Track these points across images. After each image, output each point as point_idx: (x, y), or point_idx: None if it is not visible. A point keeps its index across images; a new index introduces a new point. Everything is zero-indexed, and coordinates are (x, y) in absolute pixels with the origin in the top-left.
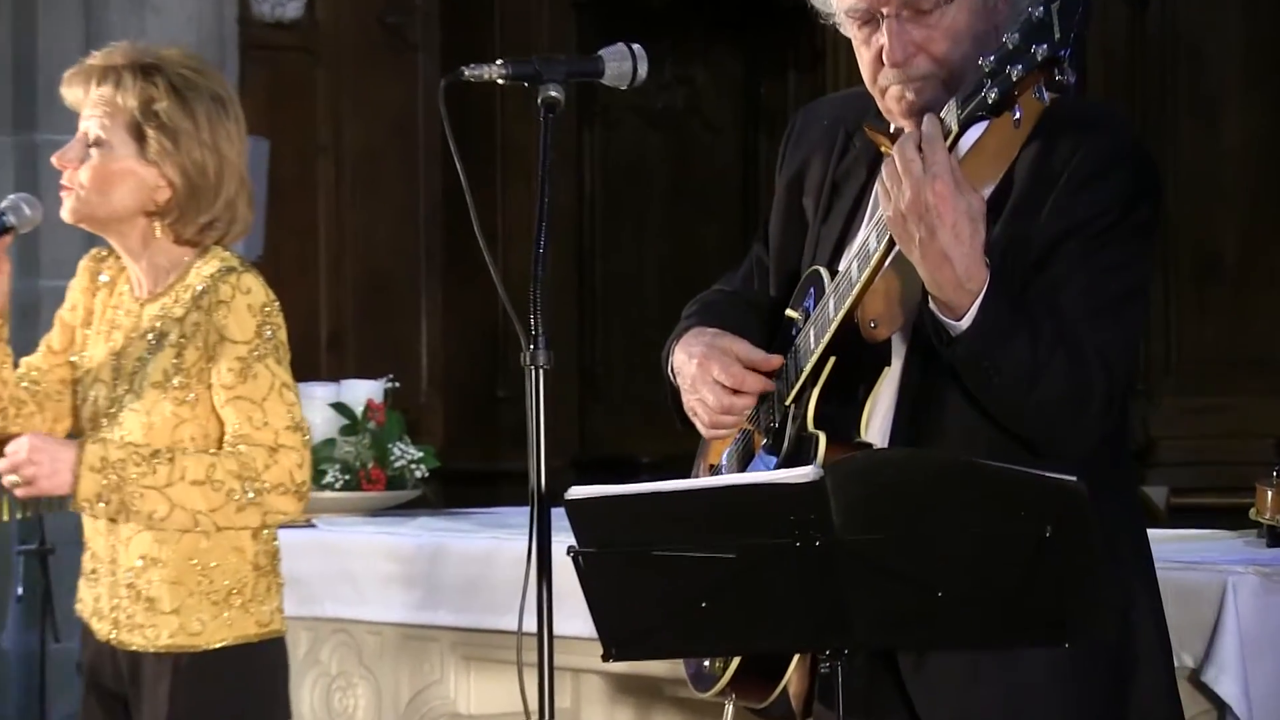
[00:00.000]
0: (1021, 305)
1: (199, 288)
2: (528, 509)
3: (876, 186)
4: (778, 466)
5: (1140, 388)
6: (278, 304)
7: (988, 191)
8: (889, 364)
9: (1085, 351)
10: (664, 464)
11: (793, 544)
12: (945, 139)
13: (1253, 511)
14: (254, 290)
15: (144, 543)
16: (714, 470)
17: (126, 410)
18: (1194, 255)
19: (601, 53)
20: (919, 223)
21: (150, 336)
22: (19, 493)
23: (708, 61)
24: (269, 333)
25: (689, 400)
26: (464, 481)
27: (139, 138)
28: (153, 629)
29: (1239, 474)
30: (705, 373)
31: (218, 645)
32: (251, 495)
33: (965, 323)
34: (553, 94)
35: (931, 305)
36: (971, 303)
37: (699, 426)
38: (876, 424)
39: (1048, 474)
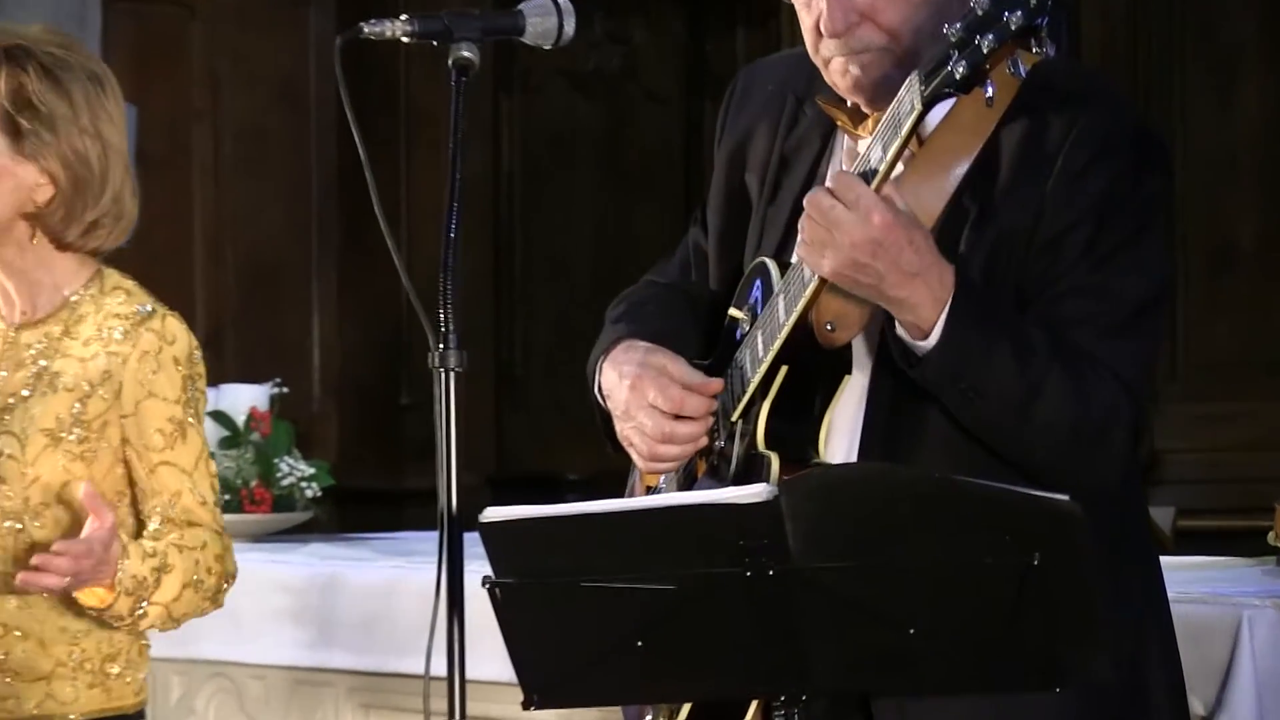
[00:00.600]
0: (1000, 313)
1: (112, 330)
2: (436, 534)
3: (798, 252)
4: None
5: None
6: (199, 351)
7: (961, 169)
8: (849, 372)
9: (1097, 369)
10: (594, 482)
11: (743, 574)
12: (867, 179)
13: (1271, 536)
14: (179, 339)
15: (6, 610)
16: (651, 492)
17: (4, 459)
18: (1205, 244)
19: (522, 7)
20: (874, 259)
21: (33, 372)
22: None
23: (645, 17)
24: (194, 387)
25: (623, 429)
26: (363, 502)
27: (12, 132)
28: (14, 700)
29: (1255, 492)
30: (639, 396)
31: (89, 716)
32: (225, 586)
33: (932, 339)
34: (465, 54)
35: (898, 331)
36: (939, 315)
37: (636, 459)
38: (839, 442)
39: (1037, 493)
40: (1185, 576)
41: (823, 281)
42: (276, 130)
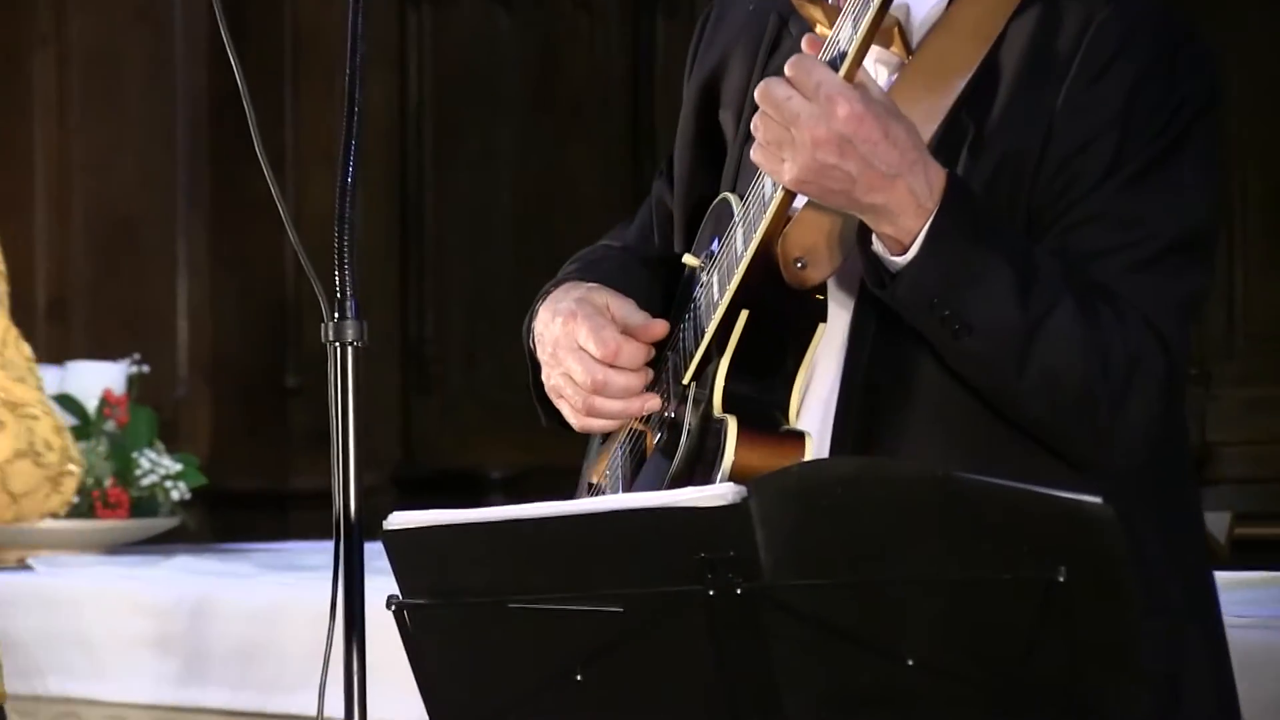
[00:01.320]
0: (999, 229)
1: None
2: (330, 544)
3: (753, 155)
4: (674, 473)
5: (1192, 372)
6: None
7: (961, 81)
8: (824, 319)
9: (1120, 308)
10: (522, 480)
11: (703, 592)
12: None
13: None
14: None
15: None
16: (595, 491)
17: None
18: (1265, 194)
19: None
20: (843, 158)
21: None
22: None
23: None
24: None
25: (551, 376)
26: (241, 505)
27: None
28: None
29: None
30: (570, 336)
31: None
32: (71, 472)
33: (911, 252)
34: None
35: (875, 245)
36: (923, 224)
37: (567, 414)
38: (814, 406)
39: (1061, 493)
40: (1242, 596)
41: (787, 195)
42: (135, 58)
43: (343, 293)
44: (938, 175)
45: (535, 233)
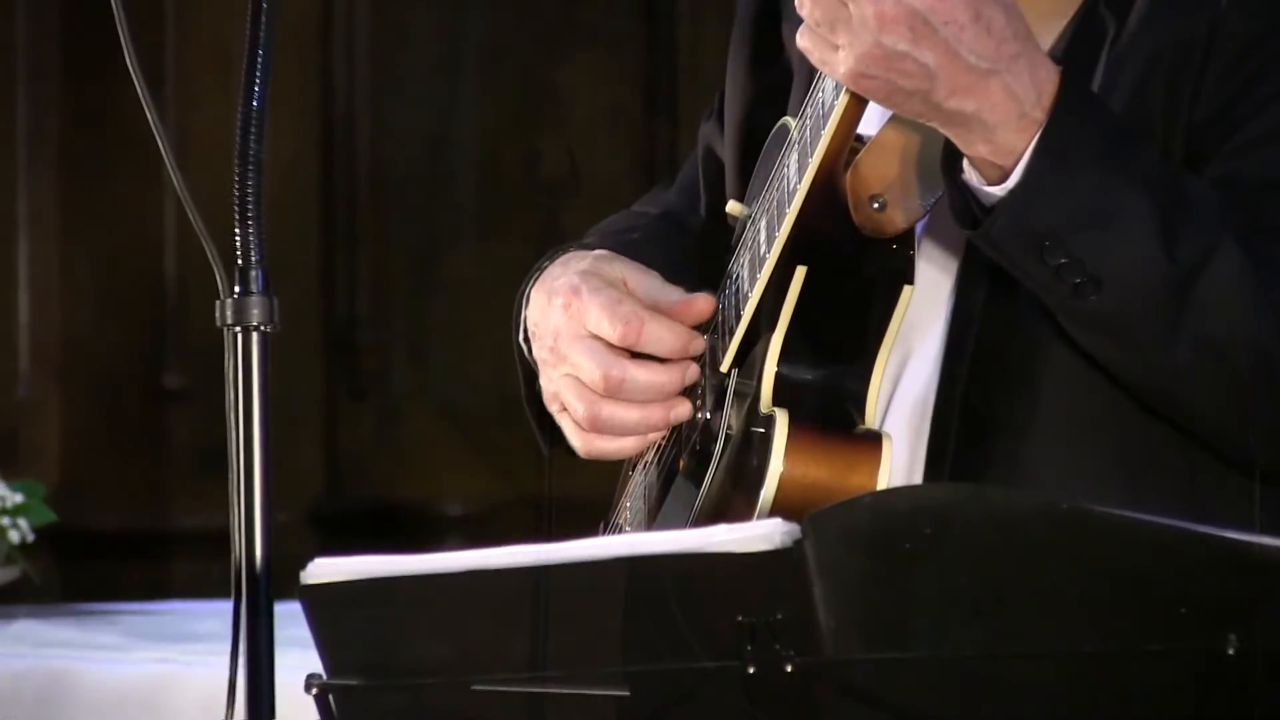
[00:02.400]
0: (1137, 148)
1: None
2: (227, 604)
3: (799, 41)
4: (705, 500)
5: None
6: None
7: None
8: (910, 281)
9: None
10: (490, 517)
11: (741, 668)
12: None
13: None
14: None
15: None
16: (613, 531)
17: None
18: None
19: None
20: (916, 44)
21: None
22: None
23: None
24: None
25: (551, 381)
26: (103, 552)
27: None
28: None
29: None
30: (577, 320)
31: None
32: None
33: (1013, 178)
34: None
35: (964, 173)
36: (1029, 139)
37: (568, 432)
38: (902, 400)
39: (1237, 536)
40: None
41: (852, 103)
42: None
43: (245, 259)
44: (1049, 75)
45: (511, 179)
